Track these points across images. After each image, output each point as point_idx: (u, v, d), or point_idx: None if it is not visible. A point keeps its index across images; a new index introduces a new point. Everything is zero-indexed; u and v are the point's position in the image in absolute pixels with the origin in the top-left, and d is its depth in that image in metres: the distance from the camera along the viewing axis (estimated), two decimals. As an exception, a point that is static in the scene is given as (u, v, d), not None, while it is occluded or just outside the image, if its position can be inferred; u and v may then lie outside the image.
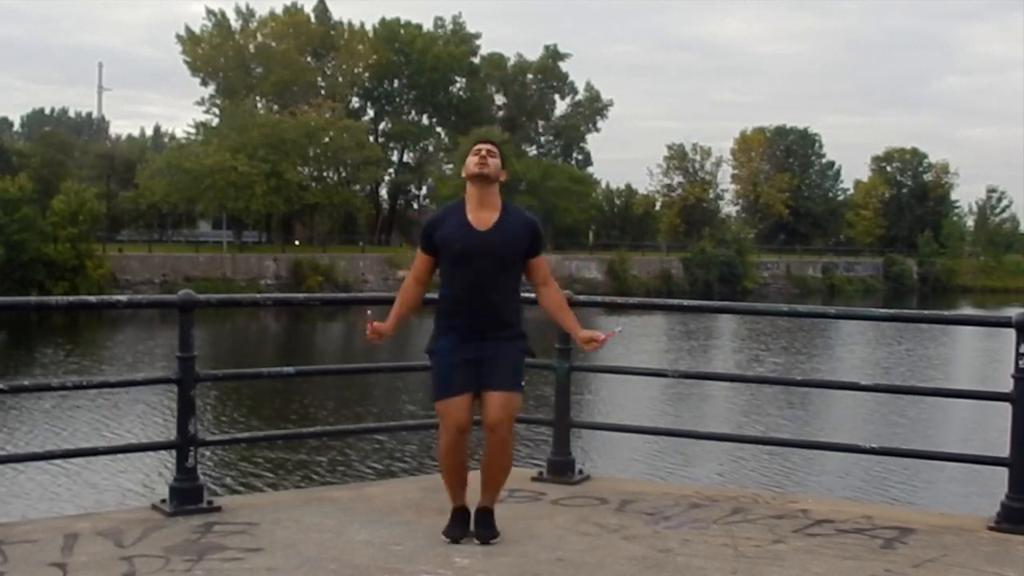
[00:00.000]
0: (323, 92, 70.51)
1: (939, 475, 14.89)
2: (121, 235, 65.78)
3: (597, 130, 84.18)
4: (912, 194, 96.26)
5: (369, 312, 4.85)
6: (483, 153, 4.79)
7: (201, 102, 71.76)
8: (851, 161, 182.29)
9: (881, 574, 4.44)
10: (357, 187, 69.49)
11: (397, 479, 11.59)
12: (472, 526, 4.82)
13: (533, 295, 5.02)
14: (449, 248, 4.74)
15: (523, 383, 4.79)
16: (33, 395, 19.67)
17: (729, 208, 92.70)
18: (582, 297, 6.57)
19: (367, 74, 75.26)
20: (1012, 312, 5.25)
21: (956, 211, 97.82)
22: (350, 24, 74.52)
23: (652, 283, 67.59)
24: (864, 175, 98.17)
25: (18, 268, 44.90)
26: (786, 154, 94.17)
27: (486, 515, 4.83)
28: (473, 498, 4.88)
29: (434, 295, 4.95)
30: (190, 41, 69.99)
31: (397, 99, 78.58)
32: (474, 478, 4.89)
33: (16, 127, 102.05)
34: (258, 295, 30.75)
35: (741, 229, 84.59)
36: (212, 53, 69.59)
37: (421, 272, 4.92)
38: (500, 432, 4.69)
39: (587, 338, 4.78)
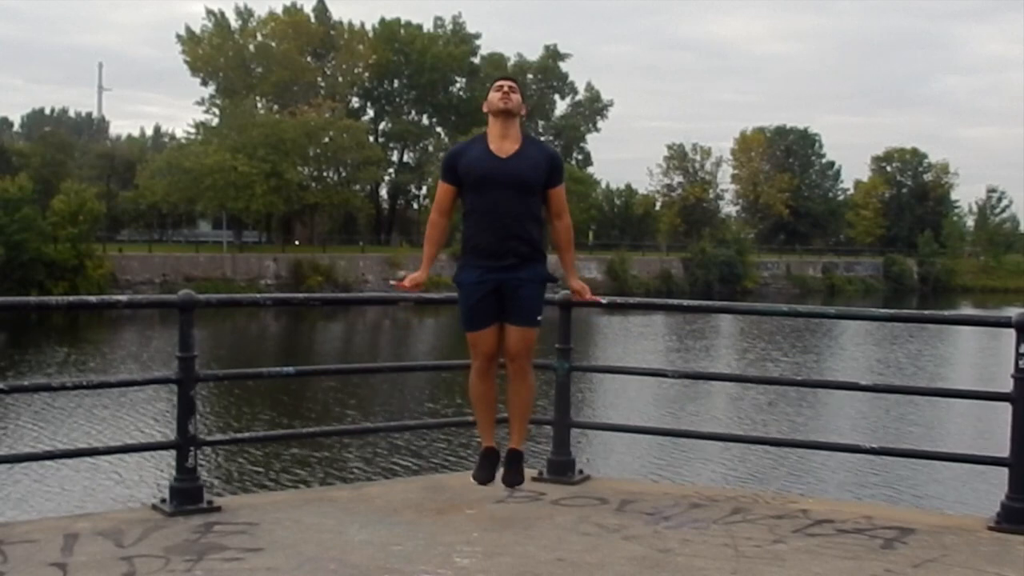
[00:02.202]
0: (323, 92, 70.53)
1: (939, 475, 14.89)
2: (121, 235, 65.81)
3: (597, 130, 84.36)
4: (912, 194, 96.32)
5: (391, 282, 5.09)
6: (505, 89, 5.04)
7: (201, 102, 71.90)
8: (851, 161, 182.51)
9: (881, 574, 4.44)
10: (357, 187, 69.50)
11: (397, 479, 11.59)
12: (501, 469, 5.14)
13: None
14: (471, 174, 4.96)
15: (540, 317, 5.08)
16: (33, 395, 19.68)
17: (729, 208, 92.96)
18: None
19: (367, 74, 75.30)
20: (1012, 312, 5.25)
21: (956, 211, 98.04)
22: (350, 24, 74.64)
23: (652, 283, 67.63)
24: (864, 175, 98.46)
25: (18, 268, 44.92)
26: (786, 154, 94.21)
27: (515, 457, 5.15)
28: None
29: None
30: (190, 41, 70.01)
31: (397, 99, 78.61)
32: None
33: (16, 127, 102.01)
34: (258, 295, 30.72)
35: (741, 229, 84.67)
36: (212, 53, 69.61)
37: (444, 203, 5.11)
38: (520, 361, 5.04)
39: (577, 288, 5.19)
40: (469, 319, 5.03)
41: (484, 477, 5.12)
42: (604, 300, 5.29)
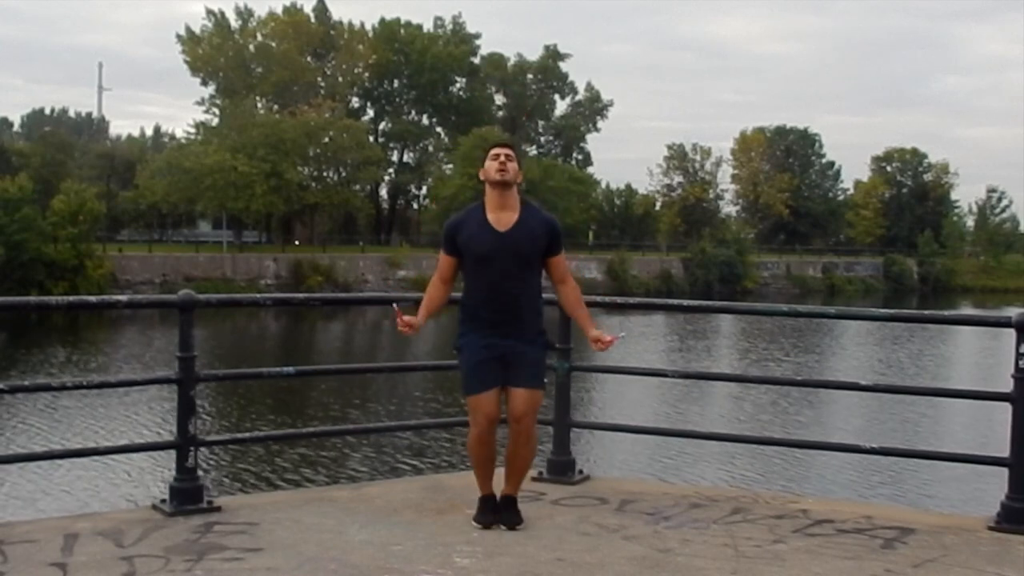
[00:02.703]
0: (323, 92, 70.52)
1: (939, 475, 14.89)
2: (121, 235, 65.78)
3: (597, 130, 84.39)
4: (912, 194, 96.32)
5: (395, 305, 5.02)
6: (502, 158, 4.96)
7: (201, 102, 71.89)
8: (851, 161, 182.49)
9: (881, 574, 4.44)
10: (357, 187, 69.48)
11: (397, 479, 11.59)
12: (501, 513, 5.08)
13: (552, 296, 5.24)
14: (471, 249, 4.93)
15: (545, 380, 5.07)
16: (33, 395, 19.67)
17: (729, 208, 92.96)
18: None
19: (367, 74, 75.29)
20: (1012, 312, 5.25)
21: (956, 211, 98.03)
22: (350, 24, 74.62)
23: (652, 283, 67.62)
24: (864, 175, 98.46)
25: (18, 268, 44.92)
26: (786, 154, 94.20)
27: (511, 502, 5.08)
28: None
29: (458, 294, 5.14)
30: (190, 41, 70.00)
31: (397, 99, 78.60)
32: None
33: (16, 127, 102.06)
34: (258, 295, 30.72)
35: (741, 229, 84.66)
36: (212, 53, 69.60)
37: (445, 273, 5.10)
38: (525, 423, 4.96)
39: (596, 337, 5.01)
40: (471, 381, 4.95)
41: (487, 521, 5.05)
42: (621, 335, 5.26)
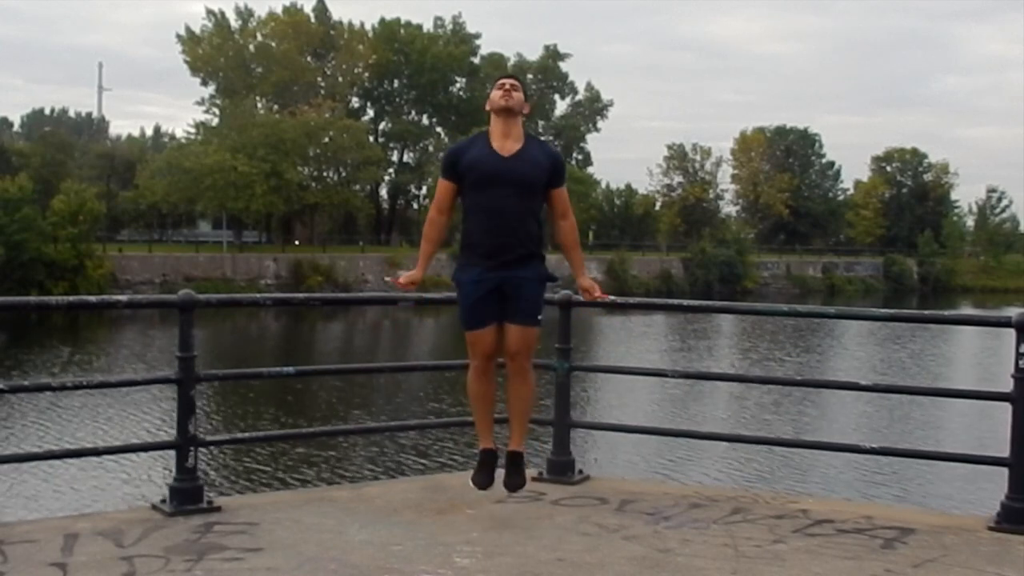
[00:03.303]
0: (323, 92, 70.50)
1: (939, 475, 14.89)
2: (121, 235, 65.78)
3: (597, 130, 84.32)
4: (912, 194, 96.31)
5: (388, 279, 5.03)
6: (507, 86, 5.00)
7: (201, 102, 71.87)
8: (851, 161, 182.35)
9: (881, 574, 4.44)
10: (357, 187, 69.48)
11: (397, 479, 11.59)
12: (502, 472, 5.08)
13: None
14: (473, 172, 4.92)
15: (540, 316, 5.04)
16: (33, 395, 19.67)
17: (729, 208, 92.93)
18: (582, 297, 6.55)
19: (367, 74, 75.27)
20: (1012, 312, 5.25)
21: (956, 211, 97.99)
22: (350, 24, 74.60)
23: (652, 283, 67.61)
24: (864, 175, 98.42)
25: (18, 268, 44.92)
26: (786, 154, 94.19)
27: (515, 458, 5.07)
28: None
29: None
30: (190, 41, 69.99)
31: (397, 99, 78.60)
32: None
33: (16, 127, 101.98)
34: (258, 295, 30.70)
35: (741, 229, 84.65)
36: (212, 53, 69.59)
37: (443, 201, 5.07)
38: (519, 360, 4.99)
39: (586, 286, 5.13)
40: (468, 317, 4.98)
41: (483, 481, 5.06)
42: (612, 298, 5.27)
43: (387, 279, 5.03)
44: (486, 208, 4.89)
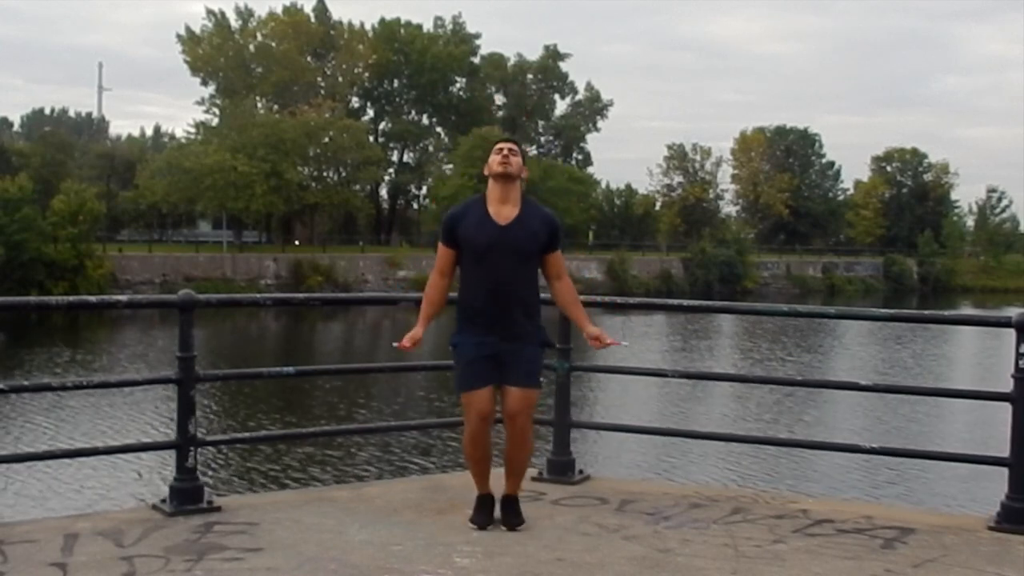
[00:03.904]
0: (323, 92, 70.51)
1: (939, 475, 14.88)
2: (121, 235, 65.77)
3: (597, 130, 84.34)
4: (912, 194, 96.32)
5: (395, 344, 4.96)
6: (505, 152, 4.96)
7: (201, 102, 71.90)
8: (851, 161, 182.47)
9: (881, 574, 4.44)
10: (357, 187, 69.48)
11: (397, 479, 11.59)
12: (499, 514, 5.03)
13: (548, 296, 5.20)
14: (471, 242, 4.89)
15: (541, 379, 5.01)
16: (33, 395, 19.67)
17: (729, 208, 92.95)
18: (582, 297, 6.55)
19: (367, 74, 75.28)
20: (1012, 312, 5.25)
21: (956, 211, 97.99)
22: (350, 24, 74.61)
23: (652, 283, 67.61)
24: (864, 175, 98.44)
25: (18, 268, 44.91)
26: (786, 154, 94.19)
27: (511, 502, 5.04)
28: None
29: (454, 294, 5.10)
30: (190, 41, 70.00)
31: (397, 99, 78.61)
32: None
33: (16, 127, 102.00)
34: (258, 295, 30.67)
35: (741, 229, 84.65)
36: (212, 53, 69.60)
37: (444, 266, 5.04)
38: (519, 421, 4.91)
39: (595, 335, 5.03)
40: (464, 379, 4.91)
41: (482, 522, 5.00)
42: (624, 343, 5.23)
43: (395, 344, 5.00)
44: (483, 277, 4.88)
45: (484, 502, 5.05)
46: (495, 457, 5.11)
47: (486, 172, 4.99)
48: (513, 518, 5.00)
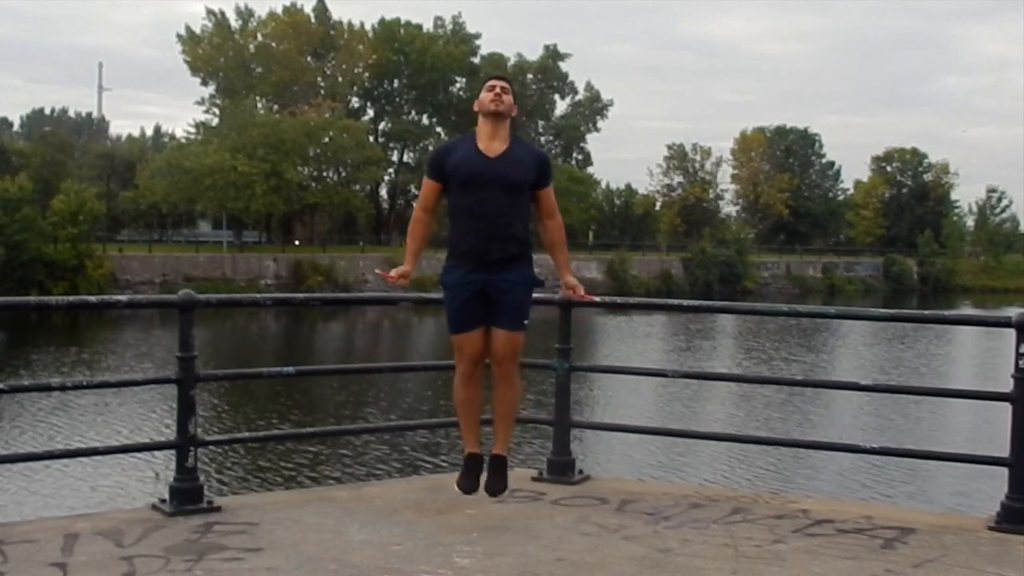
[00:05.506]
0: (323, 92, 70.49)
1: (939, 475, 14.89)
2: (121, 235, 65.74)
3: (597, 130, 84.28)
4: (912, 194, 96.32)
5: (377, 271, 5.03)
6: (498, 90, 5.00)
7: (201, 102, 71.83)
8: (851, 161, 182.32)
9: (881, 574, 4.44)
10: (357, 187, 69.47)
11: (397, 479, 11.59)
12: (485, 475, 5.07)
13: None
14: (459, 173, 4.90)
15: (527, 321, 5.01)
16: (33, 395, 19.68)
17: (729, 208, 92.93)
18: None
19: (367, 74, 75.26)
20: (1012, 312, 5.25)
21: (956, 211, 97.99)
22: (350, 24, 74.55)
23: (652, 283, 67.61)
24: (864, 175, 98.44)
25: (18, 268, 44.91)
26: (786, 154, 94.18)
27: (498, 462, 5.08)
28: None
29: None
30: (190, 41, 69.98)
31: (397, 99, 78.59)
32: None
33: (16, 127, 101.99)
34: (258, 295, 30.68)
35: (741, 229, 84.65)
36: (212, 53, 69.58)
37: (429, 200, 5.06)
38: (505, 365, 4.97)
39: (571, 284, 5.16)
40: (454, 321, 4.97)
41: (468, 486, 5.05)
42: (598, 299, 5.26)
43: (377, 271, 5.02)
44: (471, 209, 4.88)
45: (472, 464, 5.08)
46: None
47: (476, 108, 5.00)
48: (497, 482, 5.04)
